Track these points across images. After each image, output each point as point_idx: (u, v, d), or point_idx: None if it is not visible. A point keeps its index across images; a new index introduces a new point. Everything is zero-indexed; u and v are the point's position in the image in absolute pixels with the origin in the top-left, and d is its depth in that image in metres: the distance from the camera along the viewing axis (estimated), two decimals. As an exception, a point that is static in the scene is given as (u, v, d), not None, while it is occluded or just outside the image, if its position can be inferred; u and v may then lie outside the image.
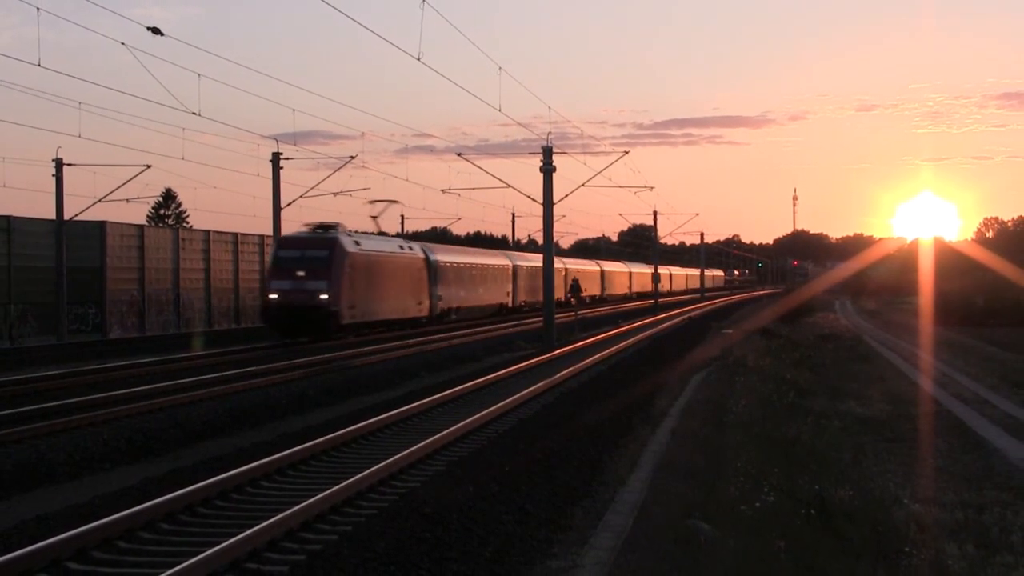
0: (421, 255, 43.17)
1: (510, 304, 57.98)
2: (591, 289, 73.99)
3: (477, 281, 51.35)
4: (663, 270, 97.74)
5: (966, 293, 66.46)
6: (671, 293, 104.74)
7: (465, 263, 49.68)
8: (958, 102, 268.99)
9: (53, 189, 37.28)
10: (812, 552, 9.74)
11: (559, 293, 63.00)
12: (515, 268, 58.94)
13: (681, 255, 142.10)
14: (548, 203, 35.47)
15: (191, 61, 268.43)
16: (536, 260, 63.76)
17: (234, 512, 10.55)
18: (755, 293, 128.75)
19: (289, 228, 39.66)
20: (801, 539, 10.07)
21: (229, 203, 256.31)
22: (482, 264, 53.22)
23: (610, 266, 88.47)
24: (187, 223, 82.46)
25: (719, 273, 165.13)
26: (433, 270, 44.18)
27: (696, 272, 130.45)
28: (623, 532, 9.96)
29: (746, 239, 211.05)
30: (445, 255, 47.22)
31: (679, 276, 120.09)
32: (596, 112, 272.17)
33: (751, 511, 10.65)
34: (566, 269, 65.82)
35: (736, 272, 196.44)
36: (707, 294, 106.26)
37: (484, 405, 18.00)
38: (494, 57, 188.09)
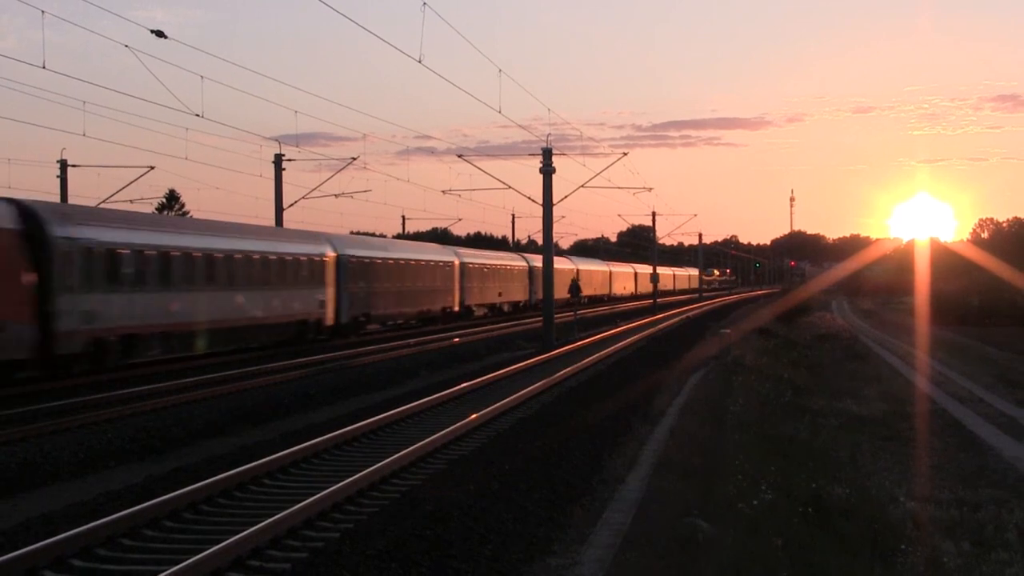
0: (13, 227, 20.78)
1: (329, 320, 34.67)
2: (517, 294, 59.69)
3: (233, 281, 28.71)
4: (603, 267, 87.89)
5: (962, 293, 66.64)
6: (630, 298, 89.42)
7: (191, 248, 26.95)
8: (954, 104, 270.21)
9: (58, 190, 37.41)
10: (810, 550, 9.83)
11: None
12: (342, 261, 36.02)
13: (680, 255, 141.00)
14: (548, 204, 35.57)
15: (194, 63, 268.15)
16: (399, 251, 43.89)
17: (237, 510, 10.65)
18: (730, 298, 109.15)
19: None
20: (799, 537, 10.16)
21: (232, 204, 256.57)
22: (247, 252, 29.69)
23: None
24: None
25: (687, 272, 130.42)
26: (81, 259, 22.44)
27: (667, 272, 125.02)
28: (622, 530, 10.03)
29: (744, 240, 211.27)
30: (119, 230, 24.48)
31: (643, 276, 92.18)
32: (595, 114, 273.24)
33: (749, 509, 10.73)
34: (460, 262, 50.01)
35: (716, 272, 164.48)
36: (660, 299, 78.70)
37: (484, 404, 18.08)
38: (494, 59, 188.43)
